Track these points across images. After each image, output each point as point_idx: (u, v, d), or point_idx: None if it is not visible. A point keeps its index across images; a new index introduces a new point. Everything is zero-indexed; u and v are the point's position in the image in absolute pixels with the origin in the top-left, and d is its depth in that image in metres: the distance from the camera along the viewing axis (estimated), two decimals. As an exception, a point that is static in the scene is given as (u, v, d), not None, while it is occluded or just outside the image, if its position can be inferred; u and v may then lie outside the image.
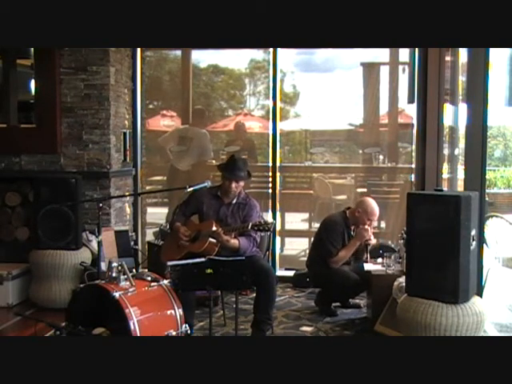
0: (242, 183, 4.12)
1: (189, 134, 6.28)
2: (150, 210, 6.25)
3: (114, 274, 3.25)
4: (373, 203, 4.55)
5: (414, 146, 5.49)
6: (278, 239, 5.80)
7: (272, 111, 5.76)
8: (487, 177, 4.54)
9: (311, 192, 6.61)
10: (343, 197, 6.59)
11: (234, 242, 3.94)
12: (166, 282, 3.37)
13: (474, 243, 3.18)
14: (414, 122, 5.34)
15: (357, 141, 6.73)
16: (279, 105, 5.79)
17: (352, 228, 4.60)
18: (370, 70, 6.42)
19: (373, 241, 4.65)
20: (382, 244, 5.22)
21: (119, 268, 3.26)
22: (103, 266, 4.19)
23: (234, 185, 4.06)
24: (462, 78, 4.66)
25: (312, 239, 5.00)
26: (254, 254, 4.07)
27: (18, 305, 4.74)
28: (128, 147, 5.57)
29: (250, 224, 3.83)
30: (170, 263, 3.43)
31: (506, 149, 12.32)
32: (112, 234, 5.11)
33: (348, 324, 4.39)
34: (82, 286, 3.38)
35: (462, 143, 4.59)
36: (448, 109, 4.89)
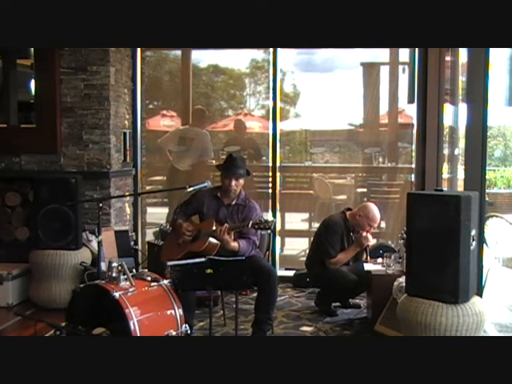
0: (241, 181, 4.11)
1: (189, 135, 6.29)
2: (149, 210, 6.25)
3: (114, 274, 3.24)
4: (375, 209, 4.54)
5: (414, 146, 5.49)
6: (278, 239, 5.80)
7: (272, 111, 5.76)
8: (487, 177, 4.54)
9: (311, 192, 6.61)
10: (343, 197, 6.59)
11: (234, 245, 3.94)
12: (166, 282, 3.37)
13: (474, 243, 3.18)
14: (414, 121, 5.34)
15: (357, 141, 6.73)
16: (279, 105, 5.79)
17: (351, 230, 4.60)
18: (370, 70, 6.42)
19: (372, 242, 4.65)
20: (381, 244, 5.23)
21: (119, 268, 3.26)
22: (103, 266, 4.19)
23: (233, 183, 4.06)
24: (461, 78, 4.66)
25: (312, 239, 5.00)
26: (254, 254, 4.07)
27: (17, 305, 4.74)
28: (128, 147, 5.57)
29: (251, 222, 3.83)
30: (169, 263, 3.43)
31: (505, 149, 12.32)
32: (112, 233, 5.10)
33: (348, 324, 4.39)
34: (81, 286, 3.38)
35: (462, 143, 4.59)
36: (448, 109, 4.89)
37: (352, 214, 4.60)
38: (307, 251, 5.04)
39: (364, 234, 4.52)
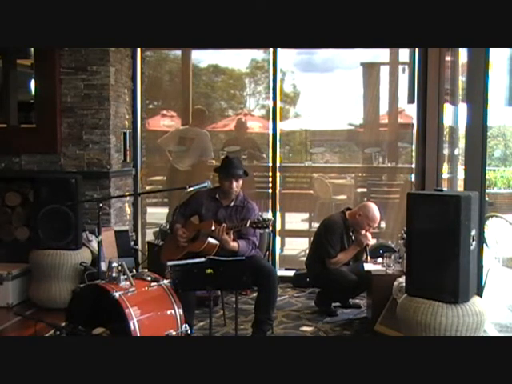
0: (240, 182, 4.11)
1: (189, 135, 6.29)
2: (149, 210, 6.25)
3: (114, 274, 3.24)
4: (374, 209, 4.54)
5: (414, 146, 5.49)
6: (278, 239, 5.80)
7: (272, 111, 5.76)
8: (487, 177, 4.54)
9: (311, 192, 6.61)
10: (343, 197, 6.59)
11: (234, 245, 3.94)
12: (165, 282, 3.37)
13: (474, 243, 3.18)
14: (414, 121, 5.34)
15: (357, 141, 6.73)
16: (279, 105, 5.79)
17: (351, 229, 4.60)
18: (370, 70, 6.42)
19: (371, 241, 4.65)
20: (381, 244, 5.23)
21: (119, 268, 3.26)
22: (103, 266, 4.19)
23: (234, 184, 4.06)
24: (461, 78, 4.66)
25: (311, 239, 5.00)
26: (254, 254, 4.07)
27: (18, 305, 4.74)
28: (128, 147, 5.57)
29: (249, 221, 3.83)
30: (169, 263, 3.43)
31: (505, 149, 12.33)
32: (112, 233, 5.10)
33: (348, 324, 4.39)
34: (81, 285, 3.38)
35: (462, 143, 4.59)
36: (448, 109, 4.89)
37: (352, 214, 4.60)
38: (307, 251, 5.04)
39: (363, 233, 4.53)
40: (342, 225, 4.57)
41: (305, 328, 4.28)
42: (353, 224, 4.57)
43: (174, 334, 3.22)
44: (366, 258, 4.62)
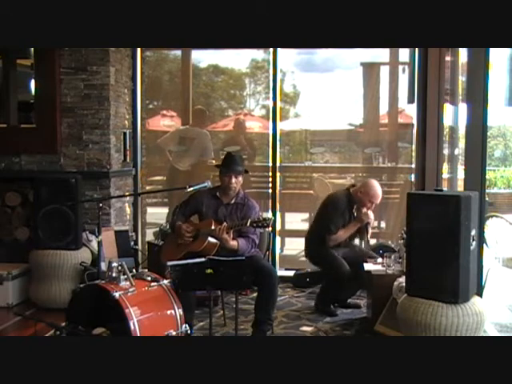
0: (240, 179, 4.11)
1: (190, 135, 6.29)
2: (149, 210, 6.25)
3: (114, 274, 3.25)
4: (376, 186, 4.57)
5: (414, 146, 5.49)
6: (278, 239, 5.80)
7: (272, 111, 5.76)
8: (487, 177, 4.54)
9: (311, 192, 6.61)
10: (343, 197, 6.58)
11: (233, 243, 3.95)
12: (166, 282, 3.37)
13: (474, 243, 3.18)
14: (414, 121, 5.34)
15: (357, 141, 6.73)
16: (279, 105, 5.79)
17: (354, 206, 4.61)
18: (370, 70, 6.42)
19: (372, 220, 4.64)
20: (381, 244, 5.23)
21: (119, 268, 3.26)
22: (103, 266, 4.19)
23: (233, 180, 4.06)
24: (462, 78, 4.66)
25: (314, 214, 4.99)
26: (254, 253, 4.07)
27: (17, 305, 4.74)
28: (128, 147, 5.57)
29: (249, 221, 3.83)
30: (169, 263, 3.42)
31: (506, 149, 12.33)
32: (112, 233, 5.11)
33: (348, 324, 4.39)
34: (81, 285, 3.38)
35: (462, 143, 4.59)
36: (448, 109, 4.89)
37: (355, 191, 4.64)
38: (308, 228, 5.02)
39: (364, 210, 4.54)
40: (346, 202, 4.60)
41: (305, 328, 4.28)
42: (355, 201, 4.60)
43: (174, 333, 3.22)
44: (367, 237, 4.63)
